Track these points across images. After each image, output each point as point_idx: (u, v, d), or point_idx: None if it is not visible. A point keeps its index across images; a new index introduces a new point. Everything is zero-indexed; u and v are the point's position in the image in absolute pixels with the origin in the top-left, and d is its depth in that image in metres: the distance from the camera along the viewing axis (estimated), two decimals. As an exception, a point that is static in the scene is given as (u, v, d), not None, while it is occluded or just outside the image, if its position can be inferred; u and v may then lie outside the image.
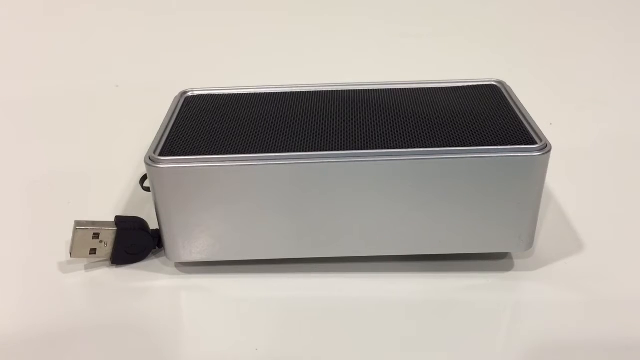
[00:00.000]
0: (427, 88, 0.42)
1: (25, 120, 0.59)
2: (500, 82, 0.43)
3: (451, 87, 0.42)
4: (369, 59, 0.72)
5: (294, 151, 0.35)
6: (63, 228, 0.39)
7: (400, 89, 0.42)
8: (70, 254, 0.37)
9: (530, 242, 0.37)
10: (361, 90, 0.42)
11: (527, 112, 0.38)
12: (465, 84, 0.43)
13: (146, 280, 0.38)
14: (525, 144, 0.34)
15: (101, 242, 0.37)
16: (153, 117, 0.43)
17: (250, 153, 0.34)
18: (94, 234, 0.37)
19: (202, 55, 0.73)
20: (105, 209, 0.44)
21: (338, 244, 0.37)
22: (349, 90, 0.42)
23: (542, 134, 0.35)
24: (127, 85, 0.65)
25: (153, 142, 0.36)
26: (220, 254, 0.37)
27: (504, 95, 0.41)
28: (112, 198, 0.45)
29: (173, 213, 0.35)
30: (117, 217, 0.38)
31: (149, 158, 0.35)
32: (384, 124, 0.37)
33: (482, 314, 0.35)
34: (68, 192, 0.47)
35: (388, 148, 0.34)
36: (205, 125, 0.38)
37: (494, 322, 0.35)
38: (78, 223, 0.37)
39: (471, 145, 0.34)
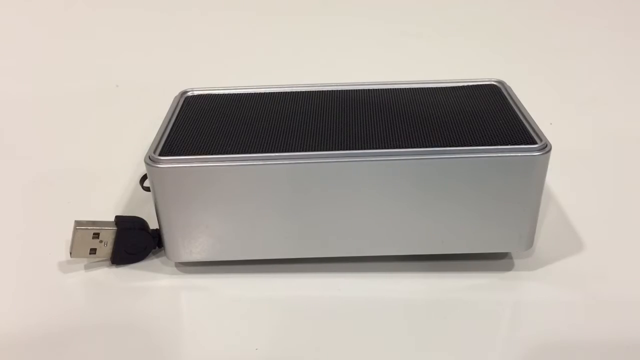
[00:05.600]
0: (427, 88, 0.42)
1: (25, 120, 0.59)
2: (500, 82, 0.43)
3: (451, 87, 0.42)
4: (369, 59, 0.72)
5: (294, 151, 0.35)
6: (63, 228, 0.39)
7: (400, 88, 0.42)
8: (70, 253, 0.37)
9: (530, 242, 0.37)
10: (361, 90, 0.42)
11: (527, 112, 0.38)
12: (465, 84, 0.43)
13: (146, 280, 0.38)
14: (525, 144, 0.34)
15: (101, 242, 0.37)
16: (153, 117, 0.43)
17: (250, 153, 0.34)
18: (94, 233, 0.37)
19: (202, 55, 0.73)
20: (105, 209, 0.44)
21: (337, 244, 0.37)
22: (349, 90, 0.42)
23: (542, 133, 0.35)
24: (127, 85, 0.65)
25: (153, 142, 0.36)
26: (220, 254, 0.37)
27: (504, 95, 0.41)
28: (112, 198, 0.45)
29: (173, 213, 0.35)
30: (117, 217, 0.38)
31: (149, 158, 0.35)
32: (383, 124, 0.37)
33: (482, 314, 0.35)
34: (68, 191, 0.47)
35: (388, 148, 0.34)
36: (205, 125, 0.38)
37: (494, 322, 0.35)
38: (78, 223, 0.37)
39: (471, 145, 0.34)
